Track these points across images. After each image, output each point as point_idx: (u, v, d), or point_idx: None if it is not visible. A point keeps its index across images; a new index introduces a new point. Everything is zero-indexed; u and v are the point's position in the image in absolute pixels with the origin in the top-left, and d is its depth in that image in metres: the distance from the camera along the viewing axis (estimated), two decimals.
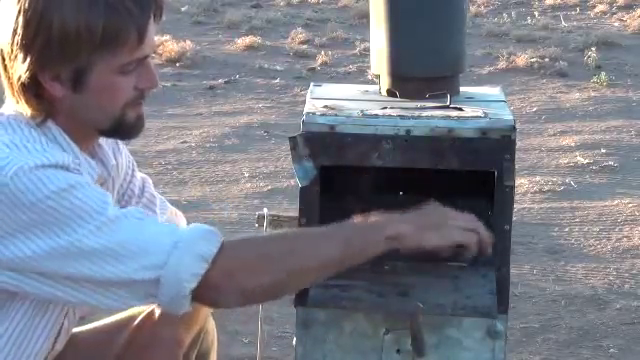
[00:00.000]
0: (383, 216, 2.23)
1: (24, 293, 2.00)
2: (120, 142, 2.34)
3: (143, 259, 1.94)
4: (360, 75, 9.62)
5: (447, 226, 2.26)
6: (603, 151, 7.21)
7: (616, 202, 6.15)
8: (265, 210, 3.01)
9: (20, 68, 1.98)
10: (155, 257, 1.95)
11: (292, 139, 2.64)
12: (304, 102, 2.88)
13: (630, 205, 6.08)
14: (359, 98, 2.90)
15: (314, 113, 2.69)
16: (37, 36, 1.96)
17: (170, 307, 2.01)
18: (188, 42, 10.42)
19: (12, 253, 1.93)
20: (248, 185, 6.47)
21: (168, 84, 9.18)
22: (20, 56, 1.98)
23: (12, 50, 1.99)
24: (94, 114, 2.05)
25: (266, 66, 10.03)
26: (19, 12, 1.97)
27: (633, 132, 7.76)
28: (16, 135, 2.01)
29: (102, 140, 2.21)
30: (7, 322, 2.07)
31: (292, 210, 4.36)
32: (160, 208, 2.47)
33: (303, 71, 9.94)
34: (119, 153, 2.33)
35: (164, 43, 10.33)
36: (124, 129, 2.10)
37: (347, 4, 13.02)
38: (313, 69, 10.02)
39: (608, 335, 4.43)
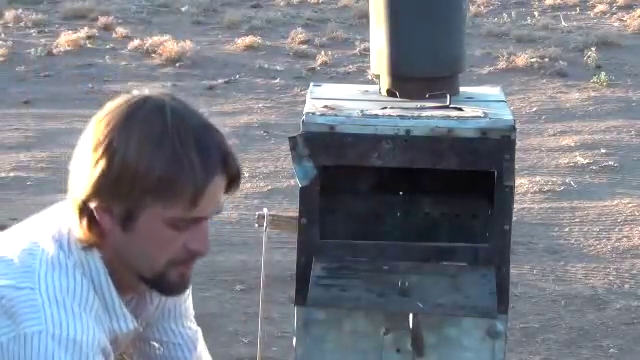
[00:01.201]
0: None
1: None
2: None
3: None
4: (360, 75, 9.62)
5: None
6: (603, 151, 7.21)
7: (616, 202, 6.15)
8: (265, 210, 3.01)
9: (78, 188, 1.96)
10: None
11: (292, 139, 2.64)
12: (304, 102, 2.88)
13: (630, 205, 6.08)
14: (359, 98, 2.90)
15: (314, 113, 2.70)
16: (98, 162, 1.92)
17: None
18: (188, 42, 10.42)
19: None
20: (248, 185, 6.48)
21: (168, 84, 9.18)
22: (82, 176, 1.96)
23: (78, 168, 1.97)
24: (138, 259, 2.00)
25: (266, 66, 10.03)
26: (94, 133, 1.95)
27: (633, 132, 7.77)
28: (63, 280, 1.97)
29: None
30: None
31: (292, 210, 4.36)
32: None
33: (303, 71, 9.94)
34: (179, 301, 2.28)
35: (164, 43, 10.34)
36: (164, 285, 2.03)
37: (347, 4, 13.02)
38: (313, 69, 10.02)
39: (608, 335, 4.43)
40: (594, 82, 9.39)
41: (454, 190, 2.86)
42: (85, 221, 1.97)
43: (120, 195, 1.93)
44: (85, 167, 1.95)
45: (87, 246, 2.00)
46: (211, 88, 9.34)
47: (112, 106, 1.97)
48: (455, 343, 2.64)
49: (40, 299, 1.93)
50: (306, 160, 2.63)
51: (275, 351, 4.24)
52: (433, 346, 2.63)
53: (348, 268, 2.65)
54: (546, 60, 10.05)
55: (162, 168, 1.90)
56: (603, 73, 9.54)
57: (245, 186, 6.45)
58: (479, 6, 12.92)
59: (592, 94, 9.06)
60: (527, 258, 5.26)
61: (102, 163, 1.92)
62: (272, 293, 4.64)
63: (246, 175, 6.66)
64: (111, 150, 1.92)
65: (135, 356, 2.34)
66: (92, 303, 1.99)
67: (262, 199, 6.16)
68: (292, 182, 6.14)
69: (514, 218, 2.72)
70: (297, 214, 2.71)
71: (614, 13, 12.62)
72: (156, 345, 2.31)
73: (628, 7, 12.69)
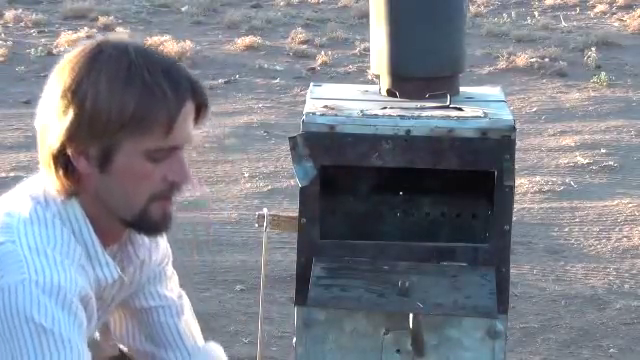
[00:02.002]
0: None
1: None
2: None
3: None
4: (360, 75, 9.61)
5: None
6: (603, 151, 7.21)
7: (616, 202, 6.15)
8: (265, 210, 3.01)
9: (51, 137, 1.97)
10: None
11: (292, 139, 2.64)
12: (304, 102, 2.88)
13: (630, 205, 6.08)
14: (359, 98, 2.90)
15: (314, 113, 2.70)
16: (69, 108, 1.93)
17: None
18: (188, 42, 10.42)
19: None
20: (248, 185, 6.48)
21: None
22: (53, 125, 1.96)
23: (47, 118, 1.97)
24: (118, 200, 2.01)
25: (266, 66, 10.03)
26: (59, 82, 1.96)
27: (633, 132, 7.76)
28: (42, 231, 1.98)
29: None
30: None
31: (292, 210, 4.36)
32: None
33: (303, 71, 9.94)
34: (156, 248, 2.28)
35: (164, 43, 10.33)
36: (147, 225, 2.04)
37: (347, 4, 13.02)
38: (313, 69, 10.02)
39: (608, 335, 4.43)
40: (594, 82, 9.39)
41: (454, 190, 2.86)
42: (61, 170, 1.98)
43: (95, 136, 1.94)
44: (56, 115, 1.95)
45: (65, 197, 2.00)
46: (211, 88, 9.33)
47: (72, 54, 1.98)
48: (455, 343, 2.64)
49: (21, 250, 1.95)
50: (306, 160, 2.63)
51: (275, 351, 4.24)
52: (433, 346, 2.63)
53: (348, 268, 2.65)
54: (546, 60, 10.04)
55: (135, 102, 1.92)
56: (603, 73, 9.54)
57: (245, 186, 6.45)
58: (479, 6, 12.92)
59: (592, 94, 9.05)
60: (527, 258, 5.26)
61: (73, 108, 1.93)
62: (272, 293, 4.64)
63: (246, 175, 6.66)
64: (81, 94, 1.93)
65: (122, 324, 2.34)
66: (74, 252, 2.00)
67: (262, 199, 6.16)
68: (292, 182, 6.13)
69: (514, 218, 2.72)
70: (297, 214, 2.71)
71: (614, 13, 12.62)
72: (144, 311, 2.32)
73: (628, 7, 12.69)
